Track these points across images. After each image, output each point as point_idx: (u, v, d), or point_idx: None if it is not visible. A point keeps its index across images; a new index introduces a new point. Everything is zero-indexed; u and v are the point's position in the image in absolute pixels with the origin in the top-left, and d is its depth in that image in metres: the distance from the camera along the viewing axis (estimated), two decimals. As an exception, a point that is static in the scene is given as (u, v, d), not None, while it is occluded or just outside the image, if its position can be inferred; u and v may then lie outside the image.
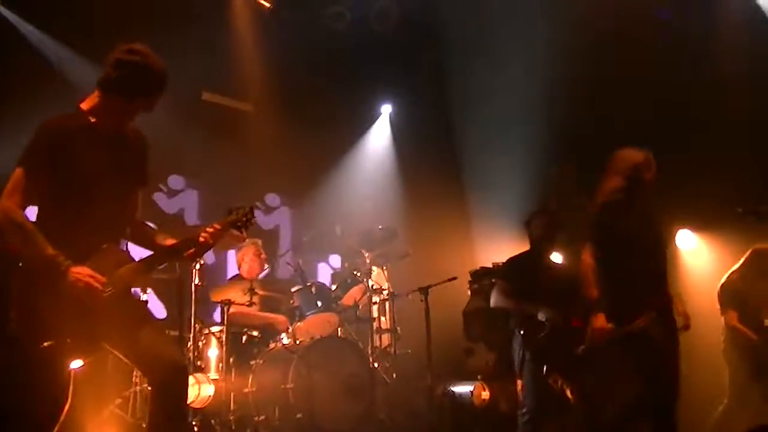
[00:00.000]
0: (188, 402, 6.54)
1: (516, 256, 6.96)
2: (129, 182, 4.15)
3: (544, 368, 6.24)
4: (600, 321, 5.25)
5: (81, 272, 3.74)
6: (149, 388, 4.03)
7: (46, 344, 3.65)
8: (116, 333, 3.89)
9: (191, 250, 4.18)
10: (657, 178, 5.64)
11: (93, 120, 3.97)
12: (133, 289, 4.34)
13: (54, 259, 3.71)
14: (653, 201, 5.72)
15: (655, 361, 5.26)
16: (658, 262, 5.49)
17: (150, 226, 4.48)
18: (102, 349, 3.95)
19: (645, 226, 5.48)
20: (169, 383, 3.91)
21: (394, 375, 8.46)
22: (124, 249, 4.19)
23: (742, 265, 7.30)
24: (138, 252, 4.39)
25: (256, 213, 4.42)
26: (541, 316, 6.27)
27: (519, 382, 6.49)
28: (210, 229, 4.19)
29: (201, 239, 4.14)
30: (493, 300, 6.66)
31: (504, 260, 7.32)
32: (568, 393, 6.29)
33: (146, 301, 4.47)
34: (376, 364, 8.20)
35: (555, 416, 6.47)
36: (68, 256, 3.76)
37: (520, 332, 6.42)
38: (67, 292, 3.71)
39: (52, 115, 3.96)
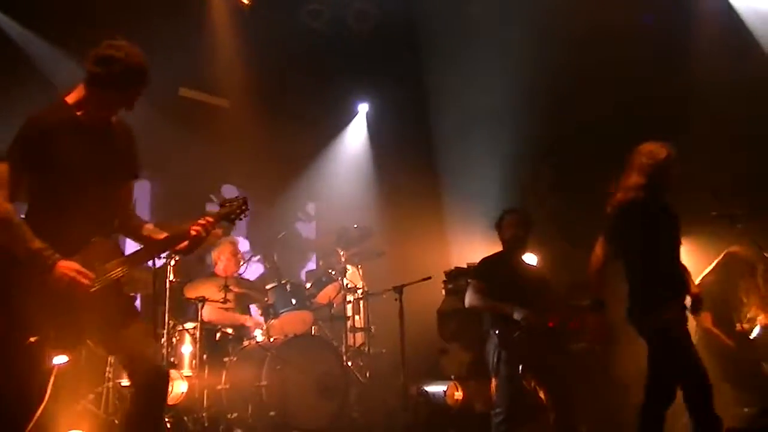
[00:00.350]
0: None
1: (489, 257, 6.98)
2: (117, 175, 4.11)
3: (519, 369, 6.26)
4: (600, 318, 5.28)
5: (68, 267, 3.72)
6: (129, 388, 4.10)
7: (32, 339, 3.62)
8: (101, 329, 3.88)
9: (183, 244, 4.15)
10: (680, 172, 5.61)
11: (78, 113, 3.94)
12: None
13: (41, 253, 3.69)
14: (675, 197, 5.70)
15: (683, 356, 5.25)
16: (677, 262, 5.48)
17: (142, 219, 4.42)
18: (85, 344, 3.97)
19: (666, 226, 5.45)
20: (152, 387, 3.91)
21: (368, 374, 8.48)
22: (116, 242, 4.14)
23: (715, 268, 7.34)
24: (133, 246, 4.39)
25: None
26: (517, 316, 6.29)
27: (493, 383, 6.50)
28: (202, 221, 4.15)
29: (193, 232, 4.11)
30: (468, 300, 6.67)
31: (478, 261, 7.33)
32: (542, 394, 6.32)
33: (134, 297, 4.36)
34: (349, 363, 8.20)
35: (529, 417, 6.49)
36: (57, 249, 3.73)
37: (495, 332, 6.43)
38: (53, 287, 3.68)
39: (37, 109, 3.94)
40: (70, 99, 3.98)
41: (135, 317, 4.12)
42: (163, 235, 4.17)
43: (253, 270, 10.00)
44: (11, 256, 3.72)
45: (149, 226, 4.30)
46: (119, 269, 3.93)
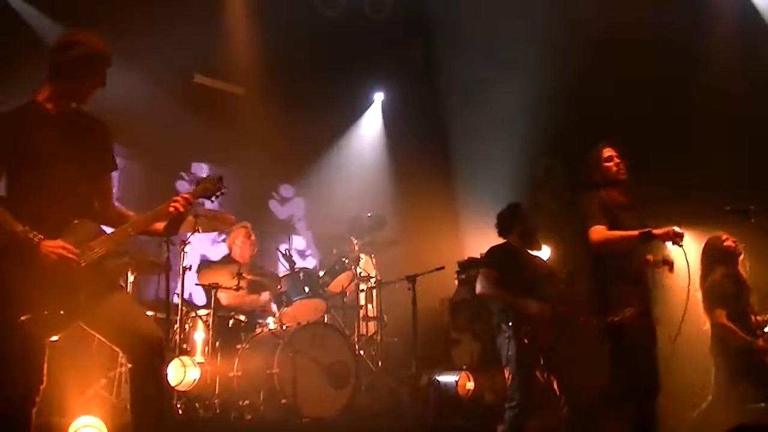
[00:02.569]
0: (173, 384, 6.58)
1: (499, 245, 6.93)
2: (92, 165, 4.19)
3: (532, 361, 6.25)
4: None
5: (53, 245, 3.81)
6: (128, 366, 4.05)
7: (23, 318, 3.67)
8: (91, 306, 3.92)
9: (160, 225, 4.22)
10: (626, 166, 5.76)
11: (46, 106, 4.07)
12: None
13: (24, 235, 3.78)
14: (643, 196, 5.74)
15: (633, 353, 5.28)
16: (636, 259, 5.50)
17: (123, 210, 4.47)
18: (75, 322, 3.96)
19: (633, 224, 5.48)
20: (145, 359, 3.96)
21: (379, 363, 8.48)
22: (97, 225, 4.16)
23: (700, 263, 7.25)
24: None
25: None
26: (533, 309, 6.27)
27: (507, 375, 6.47)
28: (178, 198, 4.17)
29: (170, 209, 4.14)
30: (479, 288, 6.64)
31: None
32: (555, 385, 6.31)
33: (123, 268, 4.43)
34: (361, 352, 8.22)
35: (540, 409, 6.48)
36: (39, 232, 3.81)
37: (507, 324, 6.41)
38: (40, 266, 3.76)
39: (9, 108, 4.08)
40: (39, 96, 4.10)
41: (119, 290, 4.21)
42: (142, 216, 4.23)
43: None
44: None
45: (130, 213, 4.37)
46: (102, 247, 3.99)
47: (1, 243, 3.80)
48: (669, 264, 5.66)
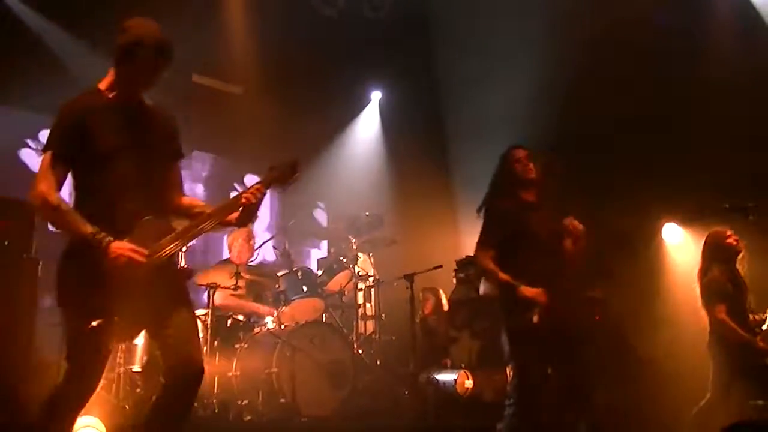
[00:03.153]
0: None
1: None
2: (158, 154, 4.05)
3: (535, 359, 6.22)
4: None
5: (122, 246, 3.68)
6: (162, 380, 3.92)
7: (95, 324, 3.59)
8: (160, 317, 3.84)
9: (235, 214, 4.05)
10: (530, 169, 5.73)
11: (110, 95, 3.96)
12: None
13: (93, 237, 3.67)
14: (556, 196, 5.83)
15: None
16: (554, 260, 5.51)
17: (194, 198, 4.38)
18: (143, 329, 3.98)
19: (542, 223, 5.51)
20: (186, 387, 3.86)
21: (378, 362, 8.49)
22: (168, 220, 4.05)
23: (701, 258, 7.24)
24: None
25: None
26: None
27: (508, 372, 6.44)
28: (252, 189, 4.03)
29: (243, 200, 3.99)
30: (482, 288, 6.64)
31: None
32: (555, 380, 6.27)
33: (189, 271, 4.30)
34: (360, 351, 8.22)
35: (543, 408, 6.46)
36: (108, 232, 3.70)
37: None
38: (110, 269, 3.65)
39: (69, 98, 3.94)
40: (102, 85, 3.99)
41: (186, 305, 4.03)
42: (213, 208, 4.08)
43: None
44: (70, 243, 3.76)
45: (199, 203, 4.27)
46: (173, 245, 3.88)
47: (72, 246, 3.75)
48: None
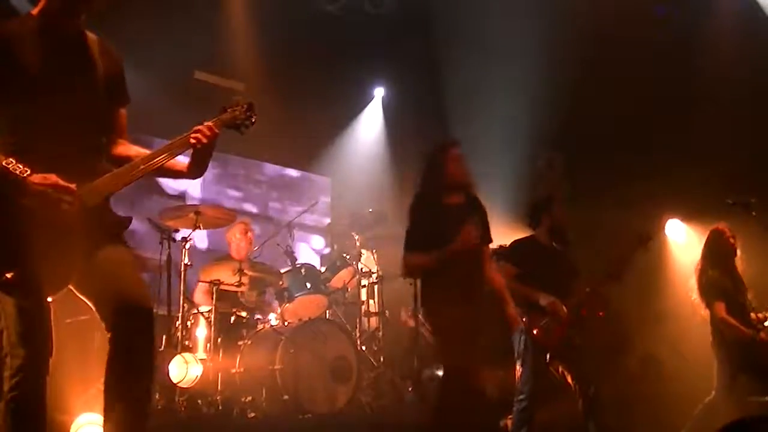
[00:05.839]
0: (176, 381, 6.58)
1: (520, 240, 6.88)
2: (95, 92, 3.51)
3: (547, 356, 6.23)
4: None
5: (43, 180, 3.15)
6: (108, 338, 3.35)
7: (8, 275, 3.08)
8: (86, 261, 3.33)
9: (185, 164, 3.61)
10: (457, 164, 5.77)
11: (43, 22, 3.44)
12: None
13: (6, 168, 3.12)
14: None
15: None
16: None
17: (143, 150, 3.68)
18: (70, 279, 3.35)
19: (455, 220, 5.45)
20: (131, 327, 3.30)
21: (382, 358, 8.48)
22: (104, 164, 3.53)
23: (709, 255, 7.22)
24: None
25: None
26: (543, 302, 6.25)
27: (518, 369, 6.45)
28: (203, 128, 3.55)
29: (192, 140, 3.50)
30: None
31: (493, 246, 7.26)
32: (569, 379, 6.28)
33: (127, 219, 3.39)
34: (363, 348, 8.22)
35: (549, 402, 6.48)
36: (32, 169, 3.16)
37: (522, 319, 6.37)
38: (27, 209, 3.13)
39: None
40: (35, 10, 3.49)
41: (121, 246, 3.52)
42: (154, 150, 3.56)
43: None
44: None
45: (143, 151, 3.65)
46: (107, 187, 3.40)
47: None
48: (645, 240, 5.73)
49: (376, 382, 8.07)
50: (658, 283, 8.79)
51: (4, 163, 3.13)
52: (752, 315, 6.88)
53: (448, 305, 5.21)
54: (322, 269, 8.58)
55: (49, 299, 3.26)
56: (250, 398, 7.01)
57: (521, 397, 6.28)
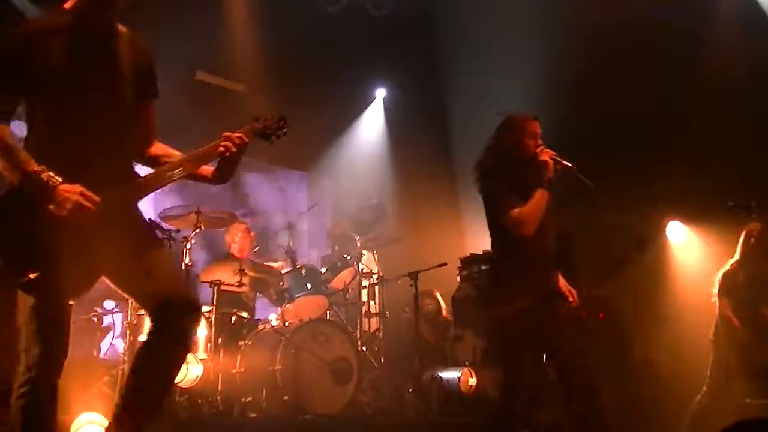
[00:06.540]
0: (176, 381, 6.57)
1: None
2: (128, 91, 3.49)
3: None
4: None
5: (70, 190, 3.17)
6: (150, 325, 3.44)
7: (31, 276, 3.13)
8: (117, 262, 3.39)
9: (212, 169, 3.62)
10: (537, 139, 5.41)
11: (75, 19, 3.37)
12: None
13: (39, 176, 3.16)
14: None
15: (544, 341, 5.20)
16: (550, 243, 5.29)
17: (172, 151, 3.74)
18: (94, 282, 3.39)
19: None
20: (176, 320, 3.36)
21: (382, 359, 8.49)
22: (131, 166, 3.56)
23: (740, 250, 7.20)
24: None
25: None
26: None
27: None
28: (233, 137, 3.60)
29: (220, 148, 3.53)
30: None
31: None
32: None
33: (156, 224, 3.38)
34: (364, 348, 8.23)
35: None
36: (59, 174, 3.20)
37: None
38: (54, 215, 3.16)
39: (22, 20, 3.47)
40: (67, 5, 3.43)
41: (157, 246, 3.60)
42: (185, 156, 3.59)
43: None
44: (9, 185, 3.25)
45: (173, 152, 3.71)
46: (136, 192, 3.47)
47: (11, 189, 3.24)
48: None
49: (376, 383, 8.07)
50: (659, 284, 8.80)
51: (37, 169, 3.17)
52: (764, 312, 6.87)
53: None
54: (323, 270, 8.59)
55: (70, 302, 3.34)
56: (250, 398, 7.01)
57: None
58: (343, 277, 8.61)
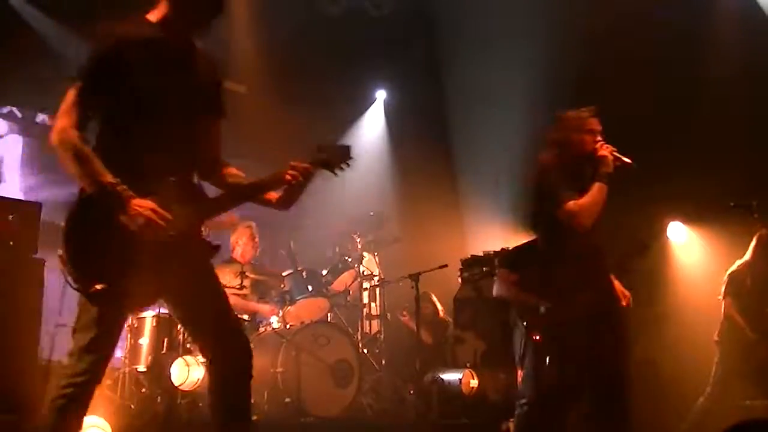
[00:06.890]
0: (177, 384, 6.57)
1: (521, 246, 6.84)
2: (201, 107, 3.52)
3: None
4: None
5: (143, 205, 3.19)
6: (208, 367, 3.63)
7: (98, 287, 3.14)
8: (177, 288, 3.43)
9: (276, 194, 3.64)
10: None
11: (161, 33, 3.40)
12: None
13: (113, 188, 3.16)
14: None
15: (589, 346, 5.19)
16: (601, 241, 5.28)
17: (236, 171, 3.76)
18: (158, 299, 3.55)
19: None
20: (241, 365, 3.59)
21: (383, 361, 8.49)
22: (198, 184, 3.58)
23: (752, 253, 7.19)
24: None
25: None
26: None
27: (519, 373, 6.43)
28: (300, 168, 3.56)
29: (288, 176, 3.53)
30: (495, 290, 6.58)
31: (495, 249, 7.26)
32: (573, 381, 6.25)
33: (217, 246, 3.43)
34: (365, 350, 8.23)
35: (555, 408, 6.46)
36: (130, 186, 3.20)
37: (522, 323, 6.34)
38: (125, 228, 3.18)
39: (112, 24, 3.40)
40: (153, 17, 3.44)
41: (214, 278, 3.59)
42: (251, 181, 3.64)
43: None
44: (81, 194, 3.27)
45: (236, 171, 3.74)
46: (202, 215, 3.51)
47: (84, 198, 3.25)
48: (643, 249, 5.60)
49: (377, 385, 8.07)
50: (659, 285, 8.79)
51: (113, 181, 3.18)
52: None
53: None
54: (324, 272, 8.59)
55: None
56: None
57: (523, 401, 6.26)
58: (344, 279, 8.61)
